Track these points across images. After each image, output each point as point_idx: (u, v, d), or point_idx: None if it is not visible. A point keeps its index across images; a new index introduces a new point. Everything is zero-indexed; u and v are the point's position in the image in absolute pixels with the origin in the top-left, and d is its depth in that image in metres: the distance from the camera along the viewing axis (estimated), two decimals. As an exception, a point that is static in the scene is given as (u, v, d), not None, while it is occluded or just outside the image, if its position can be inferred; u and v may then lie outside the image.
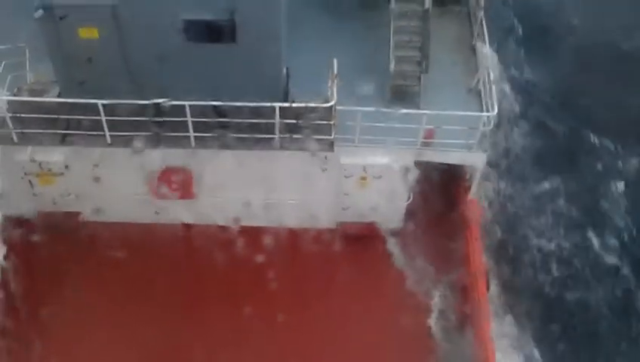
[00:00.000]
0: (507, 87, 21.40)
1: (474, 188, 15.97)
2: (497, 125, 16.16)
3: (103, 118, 13.69)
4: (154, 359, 14.92)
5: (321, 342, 14.99)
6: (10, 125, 14.01)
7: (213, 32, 13.10)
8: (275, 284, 15.42)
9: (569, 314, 18.10)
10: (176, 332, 15.06)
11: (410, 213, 16.29)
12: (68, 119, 13.96)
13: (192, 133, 14.03)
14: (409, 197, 15.89)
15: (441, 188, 16.74)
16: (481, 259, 15.66)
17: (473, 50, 16.14)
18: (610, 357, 17.51)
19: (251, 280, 15.37)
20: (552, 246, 19.08)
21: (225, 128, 14.07)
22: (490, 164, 17.44)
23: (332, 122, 13.99)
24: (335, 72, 13.77)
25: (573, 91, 21.90)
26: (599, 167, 20.58)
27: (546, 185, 20.09)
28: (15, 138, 14.22)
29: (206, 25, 13.01)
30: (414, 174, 15.41)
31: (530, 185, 20.10)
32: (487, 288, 15.54)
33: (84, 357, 14.73)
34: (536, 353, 17.10)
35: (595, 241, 19.21)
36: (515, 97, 21.48)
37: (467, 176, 16.03)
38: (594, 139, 21.09)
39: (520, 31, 23.57)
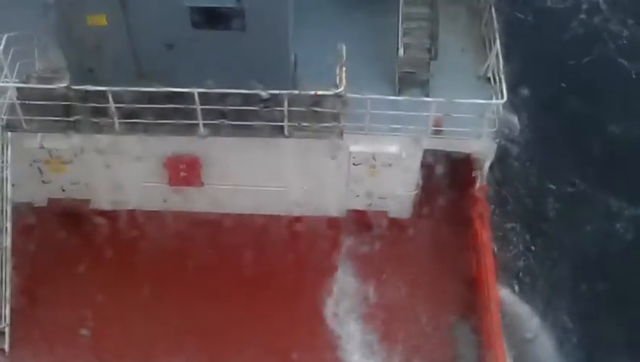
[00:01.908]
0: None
1: (484, 177, 15.90)
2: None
3: (112, 106, 13.70)
4: (163, 343, 14.98)
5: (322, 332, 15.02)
6: (20, 112, 14.06)
7: (222, 19, 13.04)
8: (282, 272, 15.45)
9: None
10: (184, 317, 15.11)
11: (419, 202, 16.24)
12: (77, 106, 13.97)
13: (200, 121, 14.01)
14: (418, 186, 15.83)
15: (450, 176, 16.66)
16: (490, 247, 15.59)
17: (482, 36, 16.03)
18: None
19: (259, 267, 15.38)
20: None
21: (233, 116, 14.04)
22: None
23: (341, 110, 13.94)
24: (344, 59, 13.70)
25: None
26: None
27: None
28: (24, 125, 14.28)
29: (214, 12, 12.93)
30: (423, 162, 15.38)
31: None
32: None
33: (87, 345, 14.86)
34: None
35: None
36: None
37: (477, 165, 15.95)
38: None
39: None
